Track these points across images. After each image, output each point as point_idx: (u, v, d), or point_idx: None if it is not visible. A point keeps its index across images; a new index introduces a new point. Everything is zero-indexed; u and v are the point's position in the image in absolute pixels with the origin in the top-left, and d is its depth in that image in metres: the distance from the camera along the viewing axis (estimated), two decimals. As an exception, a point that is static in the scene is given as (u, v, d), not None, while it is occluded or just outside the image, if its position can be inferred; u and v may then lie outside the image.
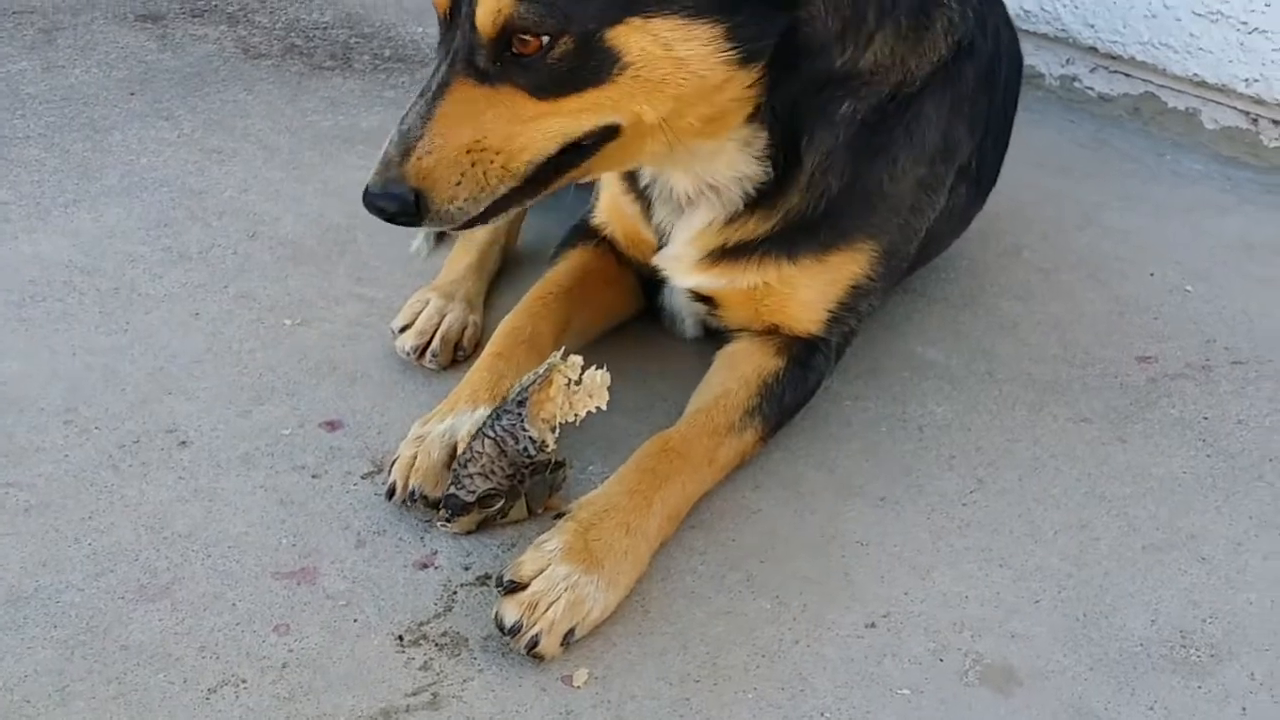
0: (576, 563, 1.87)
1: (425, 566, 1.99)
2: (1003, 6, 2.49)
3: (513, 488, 2.03)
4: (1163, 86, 3.46)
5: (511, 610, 1.83)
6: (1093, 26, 3.50)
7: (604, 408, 2.03)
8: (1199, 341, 2.59)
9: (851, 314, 2.29)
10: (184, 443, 2.21)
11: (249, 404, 2.32)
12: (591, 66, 1.82)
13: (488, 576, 1.97)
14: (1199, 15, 3.29)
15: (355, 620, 1.89)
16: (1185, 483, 2.21)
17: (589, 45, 1.80)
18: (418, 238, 2.79)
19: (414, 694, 1.78)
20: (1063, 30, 3.58)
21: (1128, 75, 3.52)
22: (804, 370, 2.26)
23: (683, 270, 2.26)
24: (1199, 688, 1.82)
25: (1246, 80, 3.25)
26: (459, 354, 2.44)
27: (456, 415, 2.12)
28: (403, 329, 2.45)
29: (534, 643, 1.80)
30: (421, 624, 1.89)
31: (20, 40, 3.77)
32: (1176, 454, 2.28)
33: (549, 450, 2.02)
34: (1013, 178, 2.99)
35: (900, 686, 1.81)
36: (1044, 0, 3.59)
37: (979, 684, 1.82)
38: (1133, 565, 2.03)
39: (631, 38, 1.81)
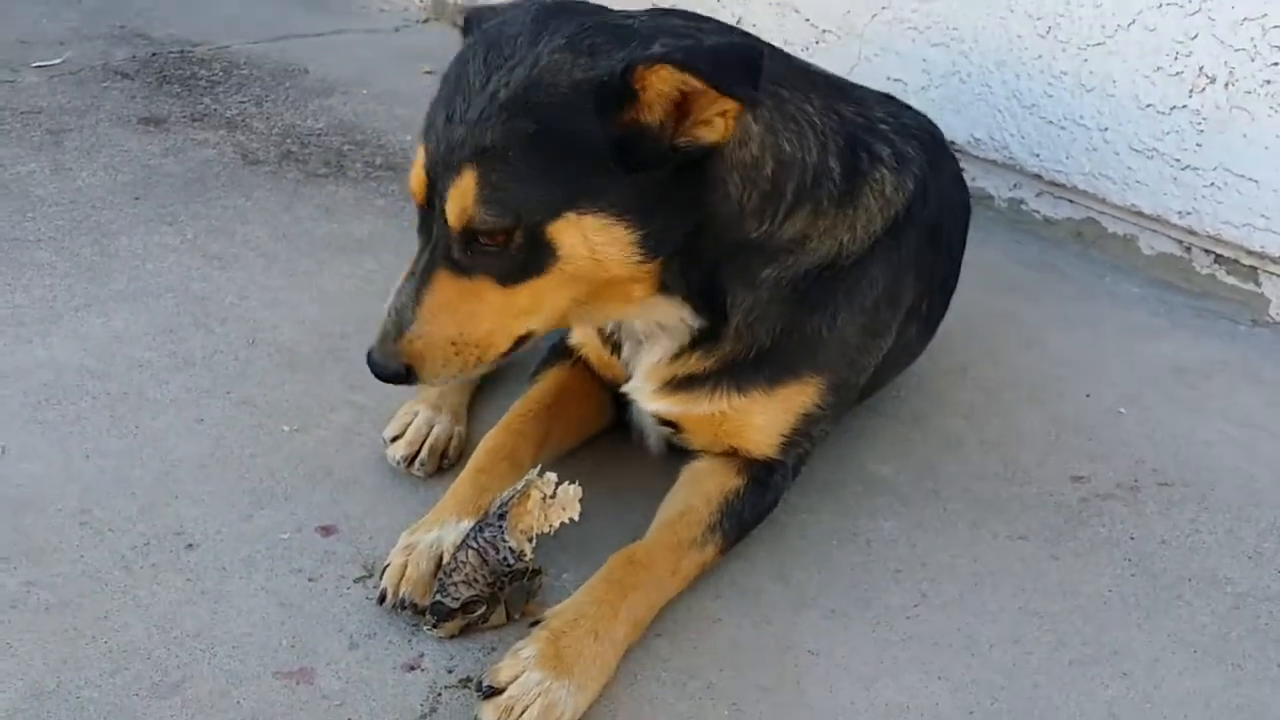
0: (549, 669, 2.05)
1: (413, 668, 2.16)
2: (952, 163, 2.72)
3: (493, 594, 2.22)
4: (1103, 213, 3.70)
5: (490, 714, 2.01)
6: (1038, 156, 3.75)
7: (576, 519, 2.27)
8: (1129, 462, 2.80)
9: (805, 438, 2.50)
10: (191, 545, 2.39)
11: (250, 508, 2.49)
12: (535, 257, 2.08)
13: (469, 679, 2.14)
14: (1136, 151, 3.53)
15: (349, 719, 2.06)
16: (1111, 600, 2.41)
17: (535, 237, 2.06)
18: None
19: (404, 790, 1.95)
20: (1010, 158, 3.82)
21: (1071, 201, 3.76)
22: (763, 489, 2.47)
23: (645, 398, 2.48)
24: (1113, 794, 2.01)
25: (1180, 212, 3.50)
26: (444, 462, 2.64)
27: (443, 527, 2.32)
28: (394, 439, 2.64)
29: None
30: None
31: (29, 141, 3.97)
32: (1104, 572, 2.48)
33: (527, 559, 2.22)
34: (962, 297, 3.20)
35: (845, 789, 1.99)
36: (994, 130, 3.84)
37: (916, 788, 2.00)
38: (1060, 679, 2.22)
39: (566, 232, 2.06)
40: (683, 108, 2.01)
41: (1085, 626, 2.34)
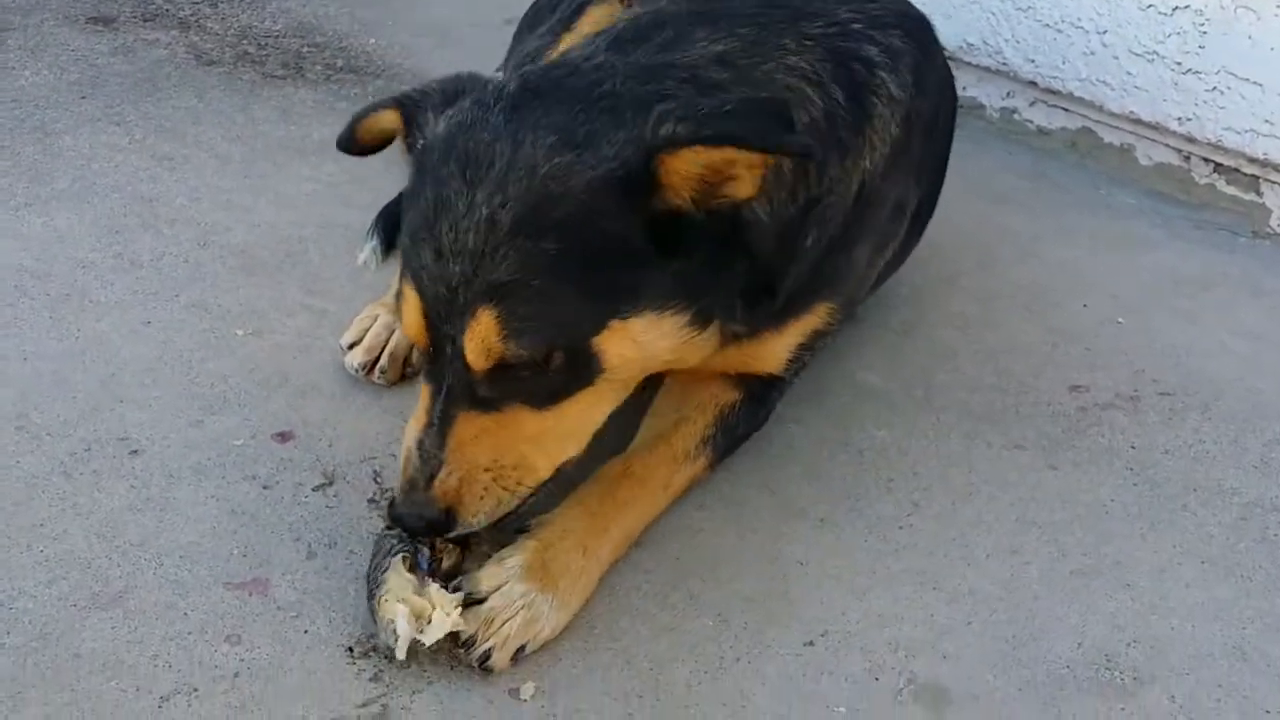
0: (534, 581, 1.92)
1: (375, 580, 2.02)
2: (937, 45, 2.53)
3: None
4: (1099, 122, 3.55)
5: (469, 623, 1.87)
6: (1033, 62, 3.60)
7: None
8: (1129, 372, 2.68)
9: (809, 353, 2.37)
10: (135, 451, 2.23)
11: (201, 414, 2.34)
12: (580, 373, 1.88)
13: (435, 591, 2.01)
14: (1136, 55, 3.39)
15: (306, 631, 1.92)
16: (1113, 510, 2.29)
17: (578, 354, 1.85)
18: (365, 250, 2.81)
19: (364, 705, 1.81)
20: (1004, 64, 3.67)
21: (1066, 110, 3.61)
22: (758, 404, 2.33)
23: None
24: (1122, 709, 1.90)
25: (1179, 119, 3.36)
26: (408, 370, 2.47)
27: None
28: (351, 345, 2.47)
29: (486, 656, 1.85)
30: (371, 636, 1.91)
31: (-32, 39, 3.76)
32: (1105, 482, 2.36)
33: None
34: (953, 207, 3.07)
35: (837, 704, 1.87)
36: (987, 35, 3.68)
37: (912, 703, 1.89)
38: (1061, 590, 2.10)
39: (612, 342, 1.86)
40: (710, 178, 1.82)
41: (1086, 537, 2.22)
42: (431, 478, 1.87)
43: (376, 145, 2.13)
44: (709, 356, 2.14)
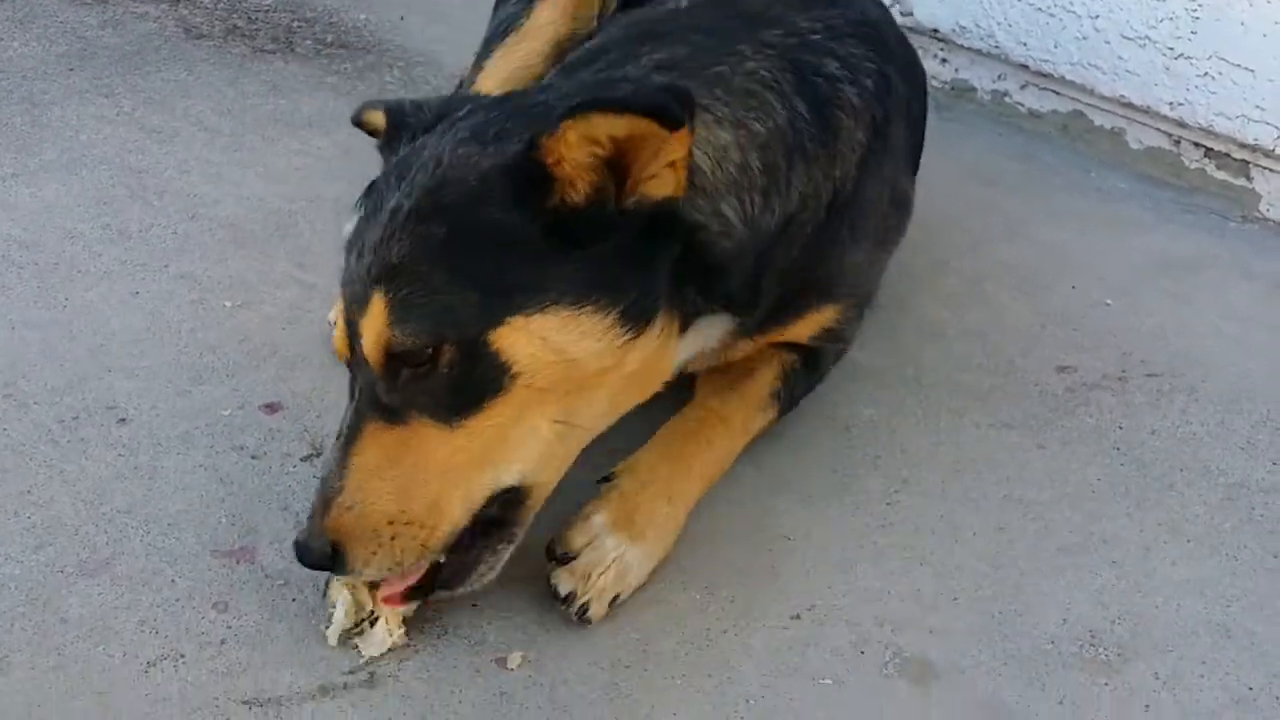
0: (622, 533, 1.96)
1: (363, 549, 2.02)
2: (897, 38, 2.49)
3: None
4: (1091, 105, 3.55)
5: (566, 580, 1.92)
6: (1025, 45, 3.60)
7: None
8: (1116, 354, 2.68)
9: (838, 340, 2.41)
10: (123, 420, 2.23)
11: (189, 384, 2.33)
12: (482, 374, 1.72)
13: (424, 560, 2.01)
14: (1128, 39, 3.39)
15: (293, 600, 1.92)
16: (1100, 489, 2.30)
17: (475, 351, 1.71)
18: (352, 224, 2.80)
19: (351, 673, 1.82)
20: (996, 47, 3.67)
21: (1057, 93, 3.61)
22: (811, 369, 2.37)
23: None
24: (1106, 685, 1.90)
25: (1170, 103, 3.36)
26: None
27: None
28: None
29: (584, 609, 1.90)
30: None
31: (-44, 10, 3.74)
32: (1092, 461, 2.37)
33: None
34: (944, 189, 3.09)
35: (823, 676, 1.88)
36: (979, 17, 3.67)
37: (898, 676, 1.89)
38: (1047, 567, 2.11)
39: (518, 340, 1.72)
40: (617, 168, 1.73)
41: (1073, 515, 2.23)
42: (327, 505, 1.74)
43: (376, 133, 2.11)
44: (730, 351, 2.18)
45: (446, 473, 1.75)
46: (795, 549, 2.10)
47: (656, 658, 1.88)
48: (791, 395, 2.33)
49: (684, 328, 1.96)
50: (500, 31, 2.85)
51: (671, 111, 1.65)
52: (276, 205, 2.91)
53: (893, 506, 2.22)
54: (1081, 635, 1.98)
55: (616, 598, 1.94)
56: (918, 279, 2.90)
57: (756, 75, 2.04)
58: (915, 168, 2.65)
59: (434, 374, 1.71)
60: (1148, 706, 1.88)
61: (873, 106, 2.21)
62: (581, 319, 1.75)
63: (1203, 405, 2.53)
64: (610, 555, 1.94)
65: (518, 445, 1.79)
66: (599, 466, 2.11)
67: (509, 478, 1.81)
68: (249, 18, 3.91)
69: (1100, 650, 1.96)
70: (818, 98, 2.11)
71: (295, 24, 3.90)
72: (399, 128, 2.00)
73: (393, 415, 1.74)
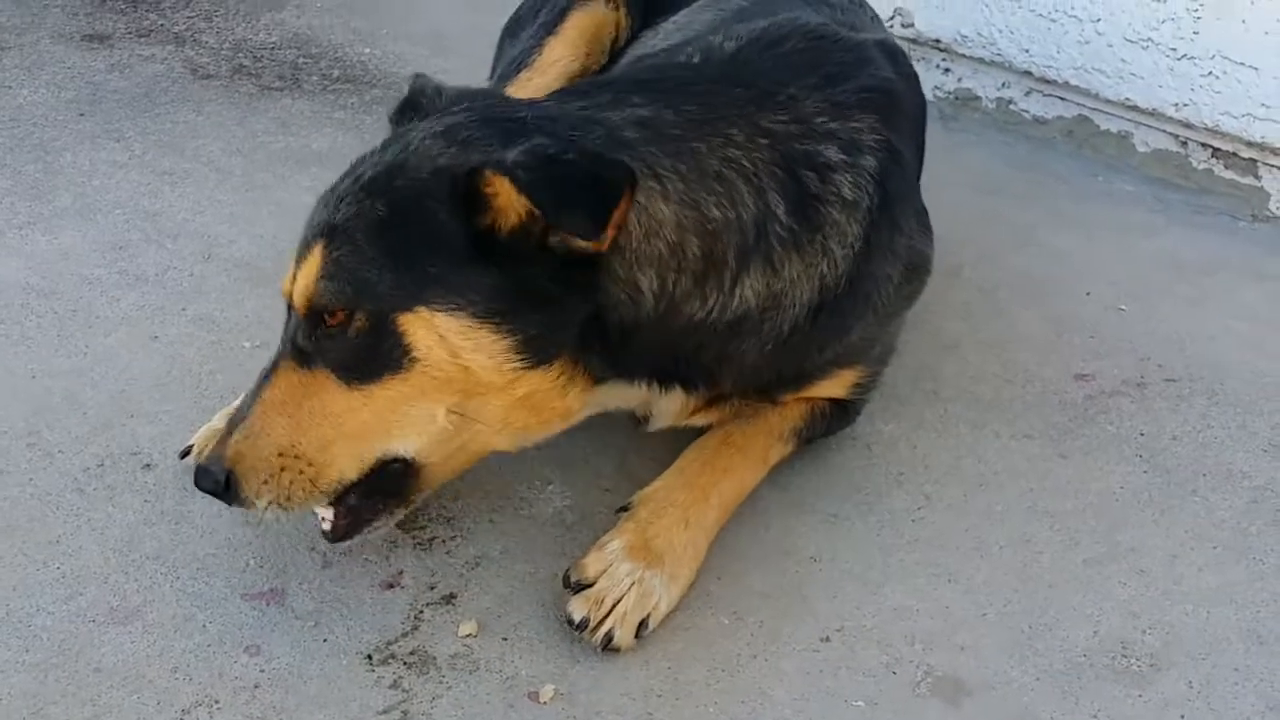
0: (638, 560, 1.97)
1: (391, 586, 2.03)
2: (908, 114, 2.39)
3: None
4: (1096, 110, 3.56)
5: (579, 607, 1.93)
6: (1028, 51, 3.60)
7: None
8: (1134, 360, 2.69)
9: (867, 391, 2.38)
10: (148, 465, 2.24)
11: (211, 427, 2.34)
12: (386, 350, 1.82)
13: (453, 595, 2.02)
14: (1130, 41, 3.39)
15: (325, 640, 1.93)
16: (1123, 497, 2.30)
17: (382, 326, 1.81)
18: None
19: (384, 712, 1.82)
20: (999, 55, 3.67)
21: (1062, 99, 3.62)
22: (838, 416, 2.37)
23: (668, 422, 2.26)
24: (1139, 696, 1.90)
25: (1176, 105, 3.36)
26: None
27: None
28: None
29: (609, 638, 1.91)
30: (389, 643, 1.93)
31: (-35, 60, 3.77)
32: (1115, 469, 2.37)
33: None
34: (952, 199, 3.09)
35: (855, 698, 1.88)
36: (980, 26, 3.68)
37: (930, 695, 1.89)
38: (1075, 578, 2.11)
39: (420, 330, 1.81)
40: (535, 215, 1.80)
41: (1098, 525, 2.23)
42: (230, 432, 1.88)
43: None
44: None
45: (340, 424, 1.86)
46: (822, 570, 2.11)
47: (688, 686, 1.89)
48: (813, 434, 2.31)
49: (596, 381, 1.98)
50: (514, 68, 2.89)
51: (563, 212, 1.75)
52: (290, 243, 2.84)
53: (918, 523, 2.22)
54: (1113, 647, 1.98)
55: (644, 625, 1.94)
56: (931, 291, 2.85)
57: (736, 163, 1.99)
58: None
59: (344, 336, 1.83)
60: (1183, 716, 1.88)
61: (870, 190, 2.12)
62: (480, 332, 1.83)
63: (1222, 408, 2.53)
64: (626, 581, 1.95)
65: (412, 422, 1.89)
66: (623, 495, 2.13)
67: (400, 448, 1.90)
68: (255, 56, 3.93)
69: (1132, 661, 1.96)
70: (805, 197, 2.04)
71: (301, 60, 3.92)
72: (413, 104, 2.12)
73: (305, 360, 1.87)
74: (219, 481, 1.84)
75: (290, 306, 1.92)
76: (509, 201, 1.77)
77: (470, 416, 1.90)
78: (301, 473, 1.85)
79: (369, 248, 1.81)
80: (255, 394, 1.89)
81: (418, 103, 2.11)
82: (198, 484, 1.88)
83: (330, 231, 1.84)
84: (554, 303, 1.86)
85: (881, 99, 2.23)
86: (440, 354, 1.82)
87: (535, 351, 1.86)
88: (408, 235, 1.81)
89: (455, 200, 1.80)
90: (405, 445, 1.90)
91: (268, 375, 1.90)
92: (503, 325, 1.83)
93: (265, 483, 1.84)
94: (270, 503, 1.85)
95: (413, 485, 1.96)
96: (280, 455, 1.84)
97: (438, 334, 1.81)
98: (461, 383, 1.86)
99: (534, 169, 1.75)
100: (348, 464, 1.88)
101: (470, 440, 1.95)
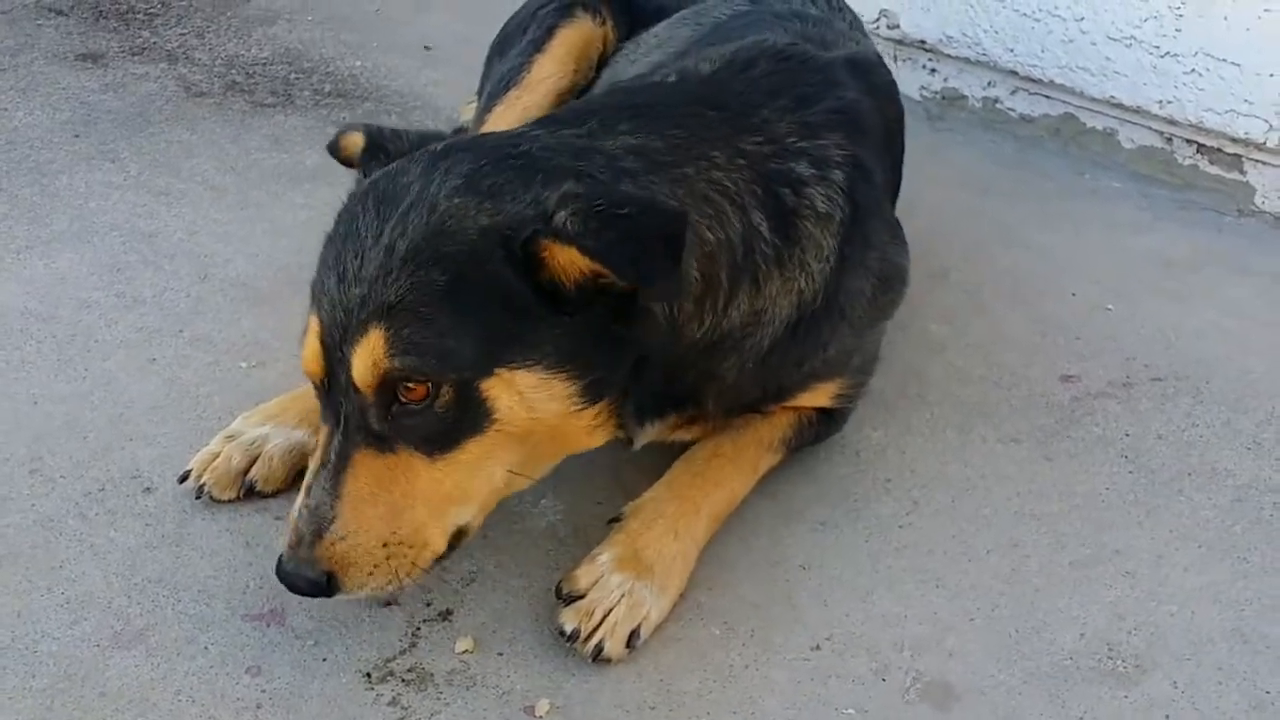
0: (628, 571, 2.01)
1: (388, 604, 2.07)
2: (878, 127, 2.44)
3: None
4: (1081, 108, 3.59)
5: (570, 618, 1.97)
6: (1013, 51, 3.63)
7: None
8: (1119, 359, 2.72)
9: (851, 400, 2.41)
10: (148, 489, 2.27)
11: (210, 448, 2.38)
12: (470, 417, 1.83)
13: (449, 612, 2.06)
14: (1114, 40, 3.42)
15: (324, 659, 1.97)
16: (1109, 499, 2.33)
17: (469, 394, 1.81)
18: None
19: (384, 730, 1.86)
20: (984, 54, 3.70)
21: (1048, 97, 3.65)
22: (826, 424, 2.40)
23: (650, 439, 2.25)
24: (1125, 697, 1.94)
25: (1160, 102, 3.39)
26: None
27: (274, 427, 2.26)
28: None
29: (599, 648, 1.94)
30: (388, 660, 1.97)
31: (-40, 82, 3.80)
32: (1100, 471, 2.40)
33: None
34: (939, 198, 3.13)
35: (846, 706, 1.92)
36: (965, 26, 3.71)
37: (920, 701, 1.93)
38: (1061, 581, 2.15)
39: (502, 391, 1.82)
40: (590, 274, 1.82)
41: (1084, 527, 2.27)
42: (319, 534, 1.82)
43: (352, 161, 2.17)
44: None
45: (429, 501, 1.86)
46: (811, 578, 2.14)
47: (680, 697, 1.92)
48: (801, 442, 2.36)
49: (623, 415, 2.01)
50: (503, 86, 2.92)
51: (641, 275, 1.78)
52: (285, 261, 2.95)
53: (906, 529, 2.25)
54: (1099, 649, 2.02)
55: (635, 636, 1.97)
56: (916, 293, 2.89)
57: (721, 185, 2.05)
58: (895, 199, 2.65)
59: (428, 410, 1.81)
60: (1168, 716, 1.91)
61: (842, 203, 2.19)
62: (554, 383, 1.85)
63: (1207, 407, 2.57)
64: (616, 592, 1.98)
65: (478, 485, 1.91)
66: (615, 508, 2.17)
67: (467, 514, 1.92)
68: (247, 72, 3.96)
69: (1118, 663, 2.00)
70: (783, 212, 2.11)
71: (293, 76, 3.95)
72: (375, 150, 2.10)
73: (384, 444, 1.84)
74: (322, 585, 1.82)
75: (325, 386, 1.88)
76: (570, 260, 1.78)
77: (521, 472, 1.95)
78: (405, 556, 1.85)
79: (441, 318, 1.78)
80: (334, 487, 1.83)
81: (384, 148, 2.09)
82: (295, 590, 1.85)
83: (387, 310, 1.78)
84: (614, 340, 1.90)
85: (847, 120, 2.29)
86: (519, 411, 1.84)
87: (594, 393, 1.90)
88: (475, 300, 1.80)
89: (513, 261, 1.80)
90: (470, 508, 1.92)
91: (340, 467, 1.83)
92: (573, 371, 1.86)
93: (370, 574, 1.84)
94: (376, 588, 1.86)
95: (460, 545, 1.97)
96: (384, 546, 1.84)
97: (517, 392, 1.83)
98: (529, 436, 1.88)
99: (596, 233, 1.75)
100: (439, 538, 1.90)
101: (509, 491, 1.99)
